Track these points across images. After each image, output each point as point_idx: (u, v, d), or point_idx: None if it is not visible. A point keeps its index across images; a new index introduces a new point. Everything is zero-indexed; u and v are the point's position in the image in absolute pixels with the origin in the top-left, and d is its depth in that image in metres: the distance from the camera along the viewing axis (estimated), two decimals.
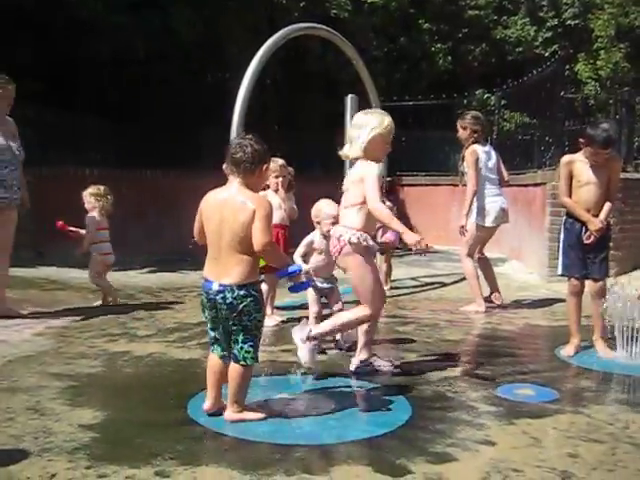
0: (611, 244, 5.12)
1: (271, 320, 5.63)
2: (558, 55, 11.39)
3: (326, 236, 5.05)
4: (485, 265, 6.85)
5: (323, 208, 5.06)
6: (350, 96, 8.87)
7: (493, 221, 6.54)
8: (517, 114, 15.37)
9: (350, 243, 3.91)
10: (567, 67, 20.31)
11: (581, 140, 4.84)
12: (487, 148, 6.78)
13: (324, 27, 7.91)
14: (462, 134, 6.71)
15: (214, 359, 3.43)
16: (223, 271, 3.25)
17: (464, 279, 7.47)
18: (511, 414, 3.61)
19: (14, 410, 3.49)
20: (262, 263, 3.60)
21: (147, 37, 11.14)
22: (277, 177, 5.83)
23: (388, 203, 8.01)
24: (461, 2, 19.41)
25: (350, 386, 4.08)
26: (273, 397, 3.74)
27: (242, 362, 3.31)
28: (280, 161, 5.88)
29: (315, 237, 5.03)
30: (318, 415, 3.51)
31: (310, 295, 5.02)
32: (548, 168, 9.40)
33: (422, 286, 8.26)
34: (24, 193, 6.08)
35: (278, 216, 5.81)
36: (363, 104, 8.97)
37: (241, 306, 3.22)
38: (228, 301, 3.23)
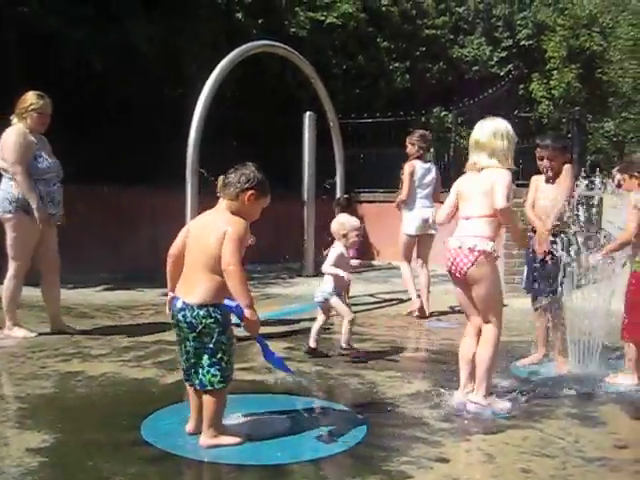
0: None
1: None
2: (512, 75, 11.64)
3: (348, 248, 5.30)
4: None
5: (347, 221, 5.23)
6: (308, 113, 8.93)
7: (415, 230, 7.22)
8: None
9: (487, 252, 3.90)
10: (522, 86, 20.87)
11: None
12: (428, 165, 7.41)
13: (281, 45, 7.96)
14: (410, 150, 7.32)
15: None
16: (189, 289, 3.21)
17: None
18: (466, 430, 3.64)
19: None
20: None
21: (105, 51, 11.05)
22: None
23: None
24: (418, 21, 19.73)
25: (307, 405, 4.06)
26: (230, 417, 3.69)
27: (209, 387, 3.22)
28: None
29: (342, 249, 5.17)
30: (274, 435, 3.48)
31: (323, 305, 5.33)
32: None
33: (380, 303, 8.29)
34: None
35: None
36: (321, 121, 9.06)
37: (200, 327, 3.16)
38: (187, 320, 3.18)
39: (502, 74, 20.04)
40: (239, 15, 13.62)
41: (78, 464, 3.06)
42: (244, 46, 7.19)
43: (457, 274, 3.97)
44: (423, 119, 16.62)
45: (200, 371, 3.22)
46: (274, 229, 11.90)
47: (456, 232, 4.05)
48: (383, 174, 14.85)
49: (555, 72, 22.13)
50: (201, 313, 3.16)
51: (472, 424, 3.75)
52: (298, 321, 5.40)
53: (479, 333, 4.08)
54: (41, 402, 4.01)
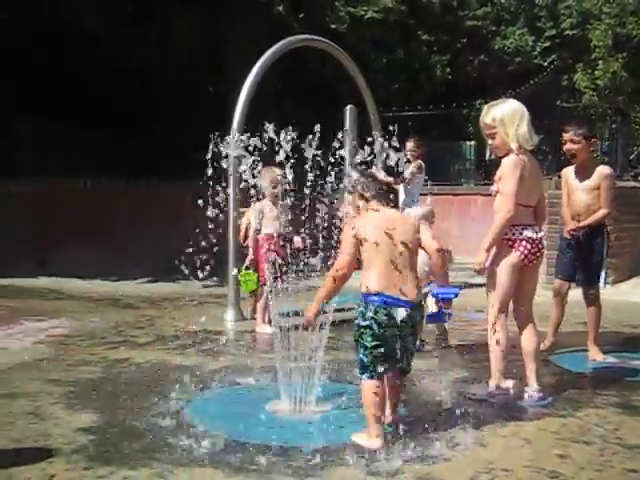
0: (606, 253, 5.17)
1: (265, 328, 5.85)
2: (554, 65, 11.49)
3: None
4: None
5: None
6: (349, 107, 8.96)
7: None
8: None
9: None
10: (565, 77, 20.51)
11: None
12: None
13: (322, 39, 8.02)
14: (417, 152, 7.92)
15: None
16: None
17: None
18: (502, 417, 3.66)
19: (15, 414, 3.58)
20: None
21: (146, 48, 11.24)
22: (274, 188, 5.93)
23: None
24: (459, 13, 19.55)
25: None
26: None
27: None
28: (278, 171, 5.94)
29: None
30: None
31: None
32: (545, 177, 9.47)
33: None
34: None
35: (278, 226, 5.93)
36: (363, 115, 9.07)
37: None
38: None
39: (545, 65, 19.74)
40: (279, 9, 13.71)
41: (126, 443, 3.19)
42: (286, 40, 7.25)
43: (530, 263, 3.94)
44: (465, 112, 16.52)
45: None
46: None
47: (526, 221, 3.95)
48: (427, 166, 14.81)
49: (600, 62, 21.66)
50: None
51: (509, 411, 3.77)
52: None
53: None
54: (90, 386, 4.18)
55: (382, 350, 3.20)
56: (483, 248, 3.89)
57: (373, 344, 3.20)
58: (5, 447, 3.13)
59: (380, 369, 3.23)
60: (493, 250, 3.92)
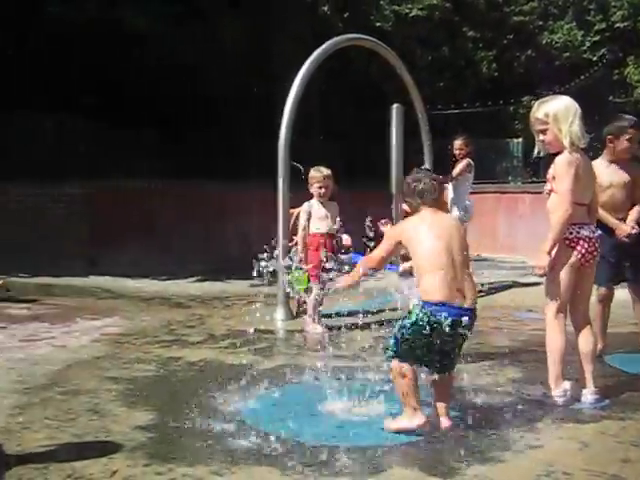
0: None
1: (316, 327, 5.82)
2: (606, 59, 11.22)
3: None
4: None
5: None
6: (395, 105, 8.91)
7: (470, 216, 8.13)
8: None
9: None
10: (616, 71, 20.05)
11: (609, 137, 4.81)
12: None
13: (369, 38, 8.02)
14: (464, 150, 8.23)
15: None
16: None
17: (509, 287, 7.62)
18: (559, 419, 3.60)
19: (75, 411, 3.67)
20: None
21: (193, 48, 11.38)
22: (320, 187, 5.97)
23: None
24: (505, 9, 19.30)
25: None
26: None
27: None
28: (325, 171, 5.99)
29: None
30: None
31: None
32: None
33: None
34: None
35: (326, 225, 5.98)
36: (408, 113, 9.02)
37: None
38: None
39: (595, 59, 19.34)
40: (325, 9, 13.74)
41: (183, 441, 3.24)
42: (335, 39, 7.25)
43: (587, 263, 3.87)
44: (512, 108, 16.31)
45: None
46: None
47: (582, 220, 3.89)
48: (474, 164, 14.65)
49: None
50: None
51: (566, 413, 3.71)
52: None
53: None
54: (146, 384, 4.25)
55: (421, 349, 3.26)
56: (544, 251, 3.82)
57: (419, 344, 3.24)
58: (69, 442, 3.21)
59: (411, 357, 3.27)
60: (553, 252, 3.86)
